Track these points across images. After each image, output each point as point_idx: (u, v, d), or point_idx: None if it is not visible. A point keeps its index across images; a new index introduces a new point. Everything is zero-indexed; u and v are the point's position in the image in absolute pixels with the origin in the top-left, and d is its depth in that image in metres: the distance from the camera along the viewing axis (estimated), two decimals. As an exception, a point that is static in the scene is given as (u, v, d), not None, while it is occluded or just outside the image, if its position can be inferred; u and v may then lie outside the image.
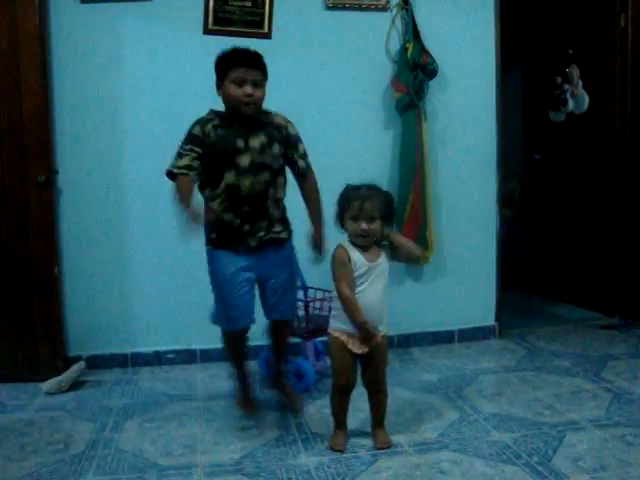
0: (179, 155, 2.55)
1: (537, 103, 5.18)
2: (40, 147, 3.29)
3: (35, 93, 3.25)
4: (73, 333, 3.53)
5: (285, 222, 2.78)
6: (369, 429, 2.61)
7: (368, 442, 2.55)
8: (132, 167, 3.48)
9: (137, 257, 3.56)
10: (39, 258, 3.33)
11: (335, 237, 2.54)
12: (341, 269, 2.40)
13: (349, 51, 3.71)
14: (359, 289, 2.39)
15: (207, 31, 3.52)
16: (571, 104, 4.73)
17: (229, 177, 2.56)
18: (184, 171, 2.50)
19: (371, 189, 2.40)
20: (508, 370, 3.46)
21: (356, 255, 2.39)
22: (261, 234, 2.65)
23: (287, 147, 2.71)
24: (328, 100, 3.71)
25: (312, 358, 3.23)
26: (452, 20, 3.82)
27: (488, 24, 3.88)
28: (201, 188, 2.64)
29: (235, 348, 2.86)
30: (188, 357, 3.65)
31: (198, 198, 2.58)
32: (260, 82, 2.60)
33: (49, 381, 3.23)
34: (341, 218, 2.44)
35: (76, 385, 3.29)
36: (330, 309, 3.20)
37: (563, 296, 4.98)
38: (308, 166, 2.81)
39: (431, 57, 3.68)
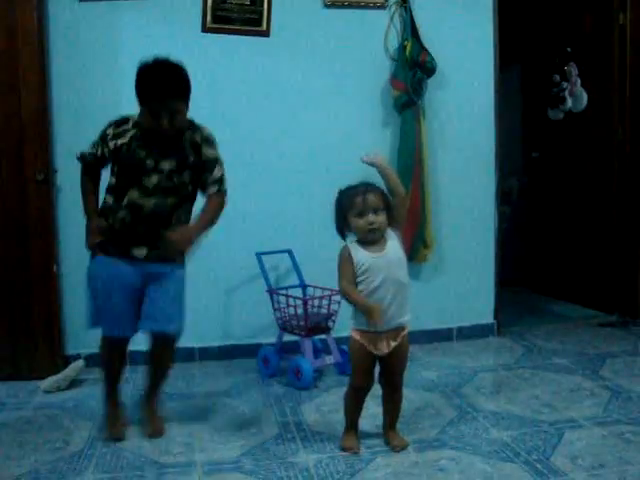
0: (91, 144, 2.59)
1: (535, 101, 5.18)
2: (39, 145, 3.29)
3: (33, 91, 3.25)
4: (72, 331, 3.52)
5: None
6: (366, 427, 2.61)
7: (367, 440, 2.55)
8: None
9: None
10: (38, 256, 3.33)
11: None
12: (341, 267, 2.39)
13: (347, 49, 3.70)
14: (371, 285, 2.34)
15: (205, 29, 3.52)
16: (569, 102, 4.73)
17: (133, 194, 2.47)
18: (81, 162, 2.61)
19: (367, 184, 2.39)
20: (507, 368, 3.47)
21: (359, 253, 2.36)
22: (148, 252, 2.52)
23: (200, 171, 2.56)
24: (326, 98, 3.71)
25: (310, 356, 3.23)
26: (450, 18, 3.82)
27: (486, 22, 3.88)
28: (107, 192, 2.58)
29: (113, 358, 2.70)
30: (186, 355, 3.64)
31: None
32: (178, 109, 2.42)
33: (48, 379, 3.22)
34: (343, 222, 2.40)
35: (75, 383, 3.29)
36: (329, 308, 3.24)
37: (562, 294, 4.98)
38: (219, 190, 2.60)
39: (429, 55, 3.68)
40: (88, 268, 2.60)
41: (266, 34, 3.59)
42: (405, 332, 2.44)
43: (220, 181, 2.61)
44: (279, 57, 3.63)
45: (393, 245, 2.39)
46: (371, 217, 2.32)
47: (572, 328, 4.24)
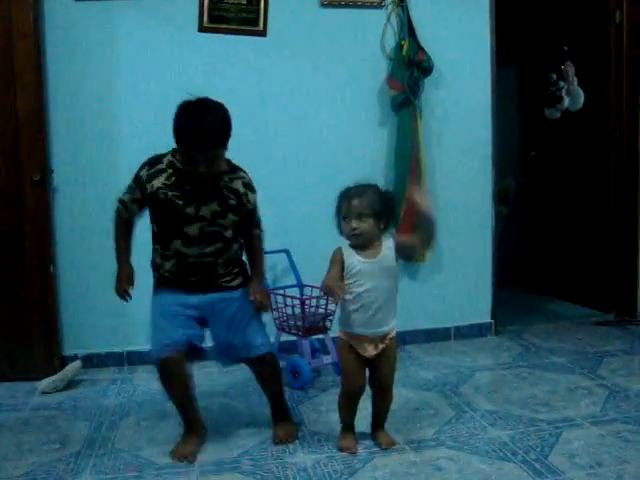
0: (127, 187, 2.49)
1: (532, 100, 5.19)
2: (35, 145, 3.28)
3: (30, 91, 3.24)
4: (69, 332, 3.52)
5: (238, 275, 2.57)
6: (363, 428, 2.60)
7: (365, 440, 2.55)
8: (127, 165, 3.43)
9: (132, 256, 3.55)
10: (34, 257, 3.32)
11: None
12: (330, 266, 2.39)
13: (344, 49, 3.70)
14: (358, 289, 2.34)
15: (202, 29, 3.51)
16: (566, 101, 4.74)
17: (177, 244, 2.41)
18: (121, 207, 2.50)
19: (363, 187, 2.35)
20: (504, 367, 3.47)
21: (351, 257, 2.36)
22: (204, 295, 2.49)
23: (242, 217, 2.51)
24: (323, 98, 3.71)
25: (308, 356, 3.23)
26: (447, 17, 3.81)
27: (483, 21, 3.88)
28: (153, 240, 2.52)
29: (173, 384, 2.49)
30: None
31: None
32: (216, 156, 2.35)
33: (45, 380, 3.22)
34: (339, 223, 2.41)
35: (72, 384, 3.28)
36: (326, 307, 3.23)
37: (559, 293, 4.98)
38: (260, 232, 2.63)
39: (426, 54, 3.67)
40: (152, 307, 2.51)
41: (263, 34, 3.58)
42: (392, 335, 2.43)
43: (259, 224, 2.64)
44: (276, 57, 3.62)
45: (387, 252, 2.37)
46: (354, 223, 2.32)
47: (569, 327, 4.24)
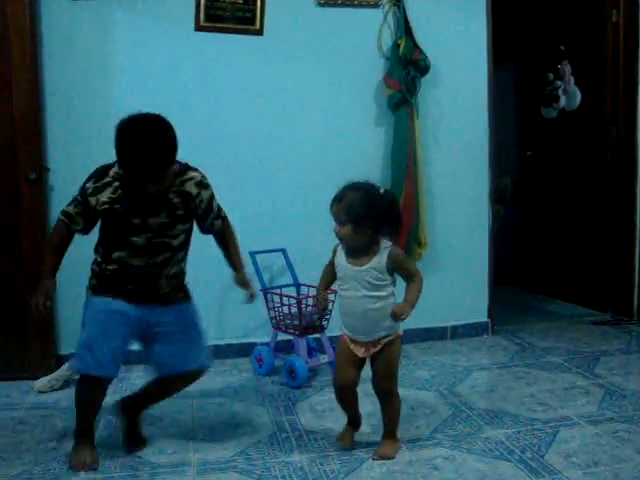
0: (73, 198, 2.37)
1: (529, 99, 5.19)
2: (31, 144, 3.27)
3: (26, 89, 3.23)
4: (65, 331, 3.50)
5: (178, 290, 2.49)
6: (363, 428, 2.61)
7: (361, 439, 2.55)
8: (124, 164, 3.46)
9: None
10: (30, 256, 3.30)
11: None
12: (327, 263, 2.44)
13: (341, 48, 3.70)
14: (343, 293, 2.36)
15: (198, 27, 3.51)
16: (563, 100, 4.74)
17: (121, 254, 2.33)
18: (64, 219, 2.36)
19: (347, 190, 2.28)
20: (501, 366, 3.47)
21: (340, 257, 2.36)
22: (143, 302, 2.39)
23: (199, 218, 2.43)
24: (319, 97, 3.71)
25: (304, 355, 3.23)
26: (444, 16, 3.81)
27: (480, 20, 3.89)
28: (98, 246, 2.43)
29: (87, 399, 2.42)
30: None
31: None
32: (161, 178, 2.22)
33: (41, 379, 3.21)
34: None
35: (68, 383, 3.27)
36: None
37: (555, 293, 4.99)
38: (224, 222, 2.52)
39: (423, 53, 3.67)
40: (84, 312, 2.43)
41: (259, 33, 3.58)
42: (388, 339, 2.35)
43: (222, 216, 2.51)
44: (272, 56, 3.62)
45: (377, 263, 2.28)
46: (336, 227, 2.30)
47: (566, 326, 4.25)
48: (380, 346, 2.35)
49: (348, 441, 2.48)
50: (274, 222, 3.65)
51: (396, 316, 2.28)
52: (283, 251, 3.56)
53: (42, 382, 3.20)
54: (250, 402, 3.02)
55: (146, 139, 2.15)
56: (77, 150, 3.45)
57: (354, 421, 2.53)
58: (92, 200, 2.30)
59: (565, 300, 4.86)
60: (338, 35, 3.69)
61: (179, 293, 2.49)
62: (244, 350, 3.58)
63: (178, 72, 3.49)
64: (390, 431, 2.46)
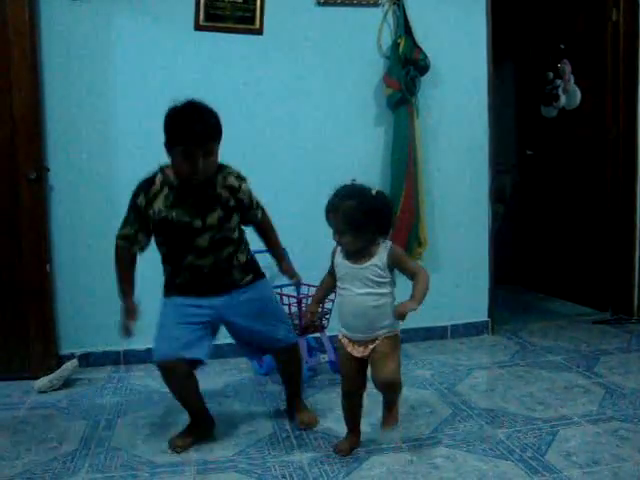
0: (124, 220, 2.45)
1: (529, 98, 5.19)
2: (31, 144, 3.27)
3: (25, 89, 3.24)
4: (65, 331, 3.51)
5: (249, 272, 2.60)
6: (363, 427, 2.61)
7: (362, 439, 2.54)
8: (124, 164, 3.46)
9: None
10: (30, 256, 3.31)
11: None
12: (327, 272, 2.48)
13: (340, 47, 3.70)
14: (343, 292, 2.36)
15: (198, 27, 3.51)
16: (563, 99, 4.74)
17: (190, 258, 2.43)
18: (122, 241, 2.44)
19: (341, 198, 2.27)
20: (501, 366, 3.47)
21: (339, 257, 2.37)
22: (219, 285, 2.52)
23: (244, 211, 2.55)
24: (319, 96, 3.70)
25: (305, 355, 3.23)
26: (444, 15, 3.81)
27: (480, 19, 3.88)
28: (163, 263, 2.53)
29: (175, 386, 2.53)
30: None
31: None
32: (211, 152, 2.36)
33: (41, 379, 3.21)
34: None
35: (68, 383, 3.28)
36: (323, 306, 3.23)
37: (556, 292, 4.99)
38: (264, 213, 2.67)
39: (423, 53, 3.67)
40: (161, 309, 2.53)
41: (259, 32, 3.58)
42: (386, 335, 2.34)
43: (261, 207, 2.66)
44: (272, 55, 3.62)
45: (377, 261, 2.29)
46: (336, 237, 2.30)
47: (566, 325, 4.25)
48: (377, 342, 2.33)
49: (346, 450, 2.45)
50: (274, 221, 3.63)
51: (399, 316, 2.25)
52: (283, 250, 3.55)
53: (43, 382, 3.20)
54: (250, 402, 3.02)
55: (198, 107, 2.36)
56: (77, 150, 3.45)
57: (355, 432, 2.50)
58: (150, 212, 2.38)
59: (565, 299, 4.86)
60: (338, 34, 3.69)
61: (249, 275, 2.60)
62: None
63: (178, 72, 3.49)
64: (391, 414, 2.45)
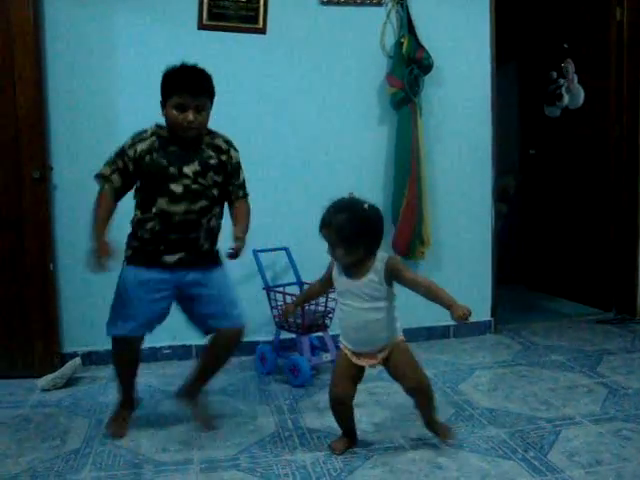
0: (106, 162, 2.54)
1: (532, 98, 5.18)
2: (35, 142, 3.28)
3: (29, 88, 3.24)
4: (68, 329, 3.52)
5: (212, 252, 2.63)
6: (363, 425, 2.62)
7: (364, 437, 2.55)
8: (127, 163, 3.47)
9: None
10: (34, 254, 3.32)
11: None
12: (319, 279, 2.52)
13: (344, 46, 3.70)
14: (343, 307, 2.37)
15: (201, 26, 3.51)
16: (566, 99, 4.74)
17: (161, 203, 2.47)
18: (100, 180, 2.53)
19: (333, 213, 2.27)
20: (504, 365, 3.47)
21: (337, 273, 2.38)
22: (181, 257, 2.52)
23: (225, 175, 2.59)
24: (322, 95, 3.71)
25: (307, 354, 3.23)
26: (447, 15, 3.82)
27: (483, 19, 3.89)
28: (135, 209, 2.57)
29: (125, 359, 2.65)
30: (184, 353, 3.64)
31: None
32: (204, 106, 2.46)
33: (44, 377, 3.22)
34: None
35: (71, 382, 3.28)
36: (325, 305, 3.24)
37: (559, 291, 4.99)
38: (245, 194, 2.69)
39: (426, 52, 3.67)
40: (118, 280, 2.57)
41: (262, 31, 3.58)
42: (390, 346, 2.36)
43: (244, 186, 2.69)
44: (275, 54, 3.62)
45: (373, 276, 2.28)
46: (329, 250, 2.30)
47: (569, 325, 4.25)
48: (386, 352, 2.36)
49: (341, 449, 2.45)
50: (277, 220, 3.65)
51: (461, 319, 2.24)
52: (286, 250, 3.56)
53: (46, 380, 3.20)
54: (253, 401, 3.02)
55: (194, 66, 2.50)
56: (80, 149, 3.46)
57: (349, 434, 2.51)
58: (130, 151, 2.49)
59: (568, 299, 4.86)
60: (341, 34, 3.69)
61: (211, 254, 2.61)
62: (247, 348, 3.58)
63: (181, 71, 3.49)
64: (429, 418, 2.46)
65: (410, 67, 3.64)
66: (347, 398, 2.42)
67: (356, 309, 2.32)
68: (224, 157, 2.58)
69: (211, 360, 2.73)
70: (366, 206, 2.29)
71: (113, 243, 2.45)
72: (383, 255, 2.32)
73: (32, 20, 3.21)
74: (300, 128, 3.70)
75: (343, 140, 3.73)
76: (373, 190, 3.79)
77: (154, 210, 2.47)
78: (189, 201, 2.47)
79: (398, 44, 3.69)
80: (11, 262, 3.32)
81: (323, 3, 3.65)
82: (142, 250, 2.53)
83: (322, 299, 3.26)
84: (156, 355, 3.61)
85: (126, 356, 2.62)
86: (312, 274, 3.33)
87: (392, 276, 2.30)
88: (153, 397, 3.08)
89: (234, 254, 2.45)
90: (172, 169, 2.46)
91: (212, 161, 2.54)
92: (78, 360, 3.37)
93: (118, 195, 2.55)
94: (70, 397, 3.12)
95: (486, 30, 3.89)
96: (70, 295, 3.51)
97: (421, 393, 2.41)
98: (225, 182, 2.60)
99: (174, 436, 2.63)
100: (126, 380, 2.69)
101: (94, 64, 3.44)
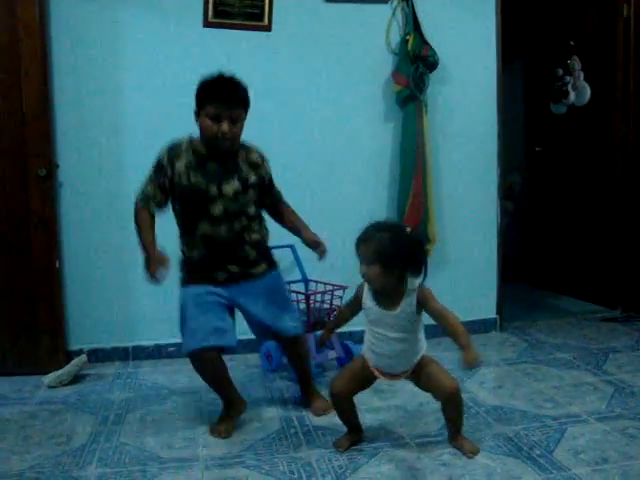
0: (146, 179, 2.54)
1: (538, 95, 5.17)
2: (41, 140, 3.28)
3: (35, 86, 3.24)
4: (74, 326, 3.53)
5: (263, 259, 2.67)
6: (369, 422, 2.62)
7: (369, 434, 2.55)
8: (133, 160, 3.47)
9: (138, 250, 3.55)
10: (40, 252, 3.33)
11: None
12: (347, 302, 2.51)
13: (349, 44, 3.70)
14: (374, 335, 2.34)
15: (207, 24, 3.51)
16: (572, 96, 4.72)
17: (203, 227, 2.49)
18: (141, 201, 2.51)
19: (373, 230, 2.25)
20: (509, 363, 3.46)
21: (368, 300, 2.34)
22: (233, 271, 2.58)
23: (262, 191, 2.64)
24: (328, 93, 3.70)
25: (313, 351, 3.23)
26: (453, 12, 3.81)
27: (489, 16, 3.87)
28: (181, 234, 2.60)
29: (207, 373, 2.63)
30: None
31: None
32: (239, 118, 2.47)
33: (51, 374, 3.23)
34: None
35: (77, 378, 3.29)
36: (331, 302, 3.24)
37: (564, 289, 4.97)
38: (281, 197, 2.79)
39: (432, 49, 3.67)
40: (180, 300, 2.60)
41: (268, 29, 3.58)
42: (417, 363, 2.37)
43: (280, 193, 2.79)
44: (281, 52, 3.62)
45: (406, 307, 2.26)
46: (363, 268, 2.26)
47: (575, 323, 4.24)
48: (411, 371, 2.38)
49: (345, 446, 2.45)
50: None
51: (469, 366, 2.26)
52: (292, 247, 3.56)
53: (52, 377, 3.21)
54: (258, 398, 3.02)
55: (231, 76, 2.50)
56: (86, 146, 3.47)
57: (353, 429, 2.51)
58: (168, 169, 2.46)
59: (574, 297, 4.85)
60: (346, 31, 3.69)
61: (264, 261, 2.66)
62: (252, 346, 3.59)
63: (186, 68, 3.49)
64: (457, 429, 2.44)
65: (416, 64, 3.64)
66: (347, 394, 2.43)
67: (390, 339, 2.30)
68: (262, 172, 2.62)
69: (292, 357, 2.85)
70: (408, 230, 2.33)
71: (164, 251, 2.47)
72: (415, 284, 2.28)
73: (38, 18, 3.22)
74: (305, 125, 3.69)
75: (348, 137, 3.73)
76: (378, 188, 3.79)
77: (198, 233, 2.50)
78: (230, 221, 2.50)
79: (404, 41, 3.68)
80: (17, 260, 3.33)
81: (328, 0, 3.64)
82: (195, 272, 2.57)
83: (327, 297, 3.26)
84: (161, 352, 3.62)
85: (206, 369, 2.59)
86: (318, 271, 3.36)
87: (421, 304, 2.28)
88: (159, 394, 3.09)
89: (322, 254, 2.69)
90: (212, 189, 2.47)
91: (252, 179, 2.56)
92: (84, 357, 3.38)
93: (159, 211, 2.55)
94: (76, 394, 3.13)
95: (492, 27, 3.88)
96: (76, 292, 3.52)
97: (456, 398, 2.37)
98: (261, 197, 2.64)
99: (180, 433, 2.64)
100: (219, 389, 2.69)
101: (100, 62, 3.44)
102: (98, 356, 3.56)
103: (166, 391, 3.13)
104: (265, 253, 2.70)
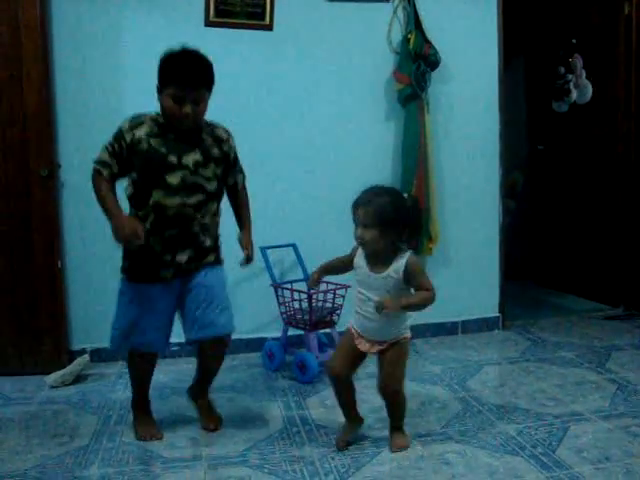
0: (104, 147, 2.40)
1: (540, 93, 5.16)
2: (42, 140, 3.29)
3: (37, 86, 3.25)
4: (77, 326, 3.53)
5: (215, 250, 2.57)
6: (371, 421, 2.63)
7: (372, 434, 2.55)
8: (134, 160, 3.47)
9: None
10: (42, 252, 3.33)
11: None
12: (342, 256, 2.47)
13: (351, 42, 3.69)
14: (361, 296, 2.36)
15: (208, 23, 3.51)
16: (574, 94, 4.72)
17: (157, 195, 2.35)
18: (99, 167, 2.37)
19: (374, 194, 2.26)
20: (512, 361, 3.46)
21: (360, 260, 2.37)
22: (182, 262, 2.44)
23: (226, 166, 2.52)
24: (330, 92, 3.70)
25: (315, 350, 3.23)
26: (454, 10, 3.80)
27: (491, 14, 3.87)
28: (132, 207, 2.45)
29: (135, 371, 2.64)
30: (192, 350, 3.64)
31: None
32: (202, 98, 2.35)
33: (53, 374, 3.23)
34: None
35: (80, 378, 3.30)
36: (333, 301, 3.24)
37: (567, 287, 4.97)
38: (244, 180, 2.66)
39: (433, 48, 3.66)
40: (119, 293, 2.49)
41: (269, 28, 3.58)
42: (396, 340, 2.37)
43: (243, 172, 2.67)
44: (282, 51, 3.62)
45: (394, 272, 2.28)
46: (359, 231, 2.27)
47: (577, 321, 4.23)
48: (386, 345, 2.37)
49: (344, 440, 2.46)
50: (284, 217, 3.65)
51: (378, 305, 2.24)
52: (294, 246, 3.56)
53: (54, 377, 3.22)
54: (261, 397, 3.03)
55: (194, 52, 2.42)
56: (88, 146, 3.43)
57: (353, 419, 2.51)
58: (128, 136, 2.36)
59: (577, 295, 4.84)
60: (348, 30, 3.69)
61: (213, 252, 2.54)
62: (255, 345, 3.59)
63: (188, 68, 3.49)
64: (396, 426, 2.48)
65: (417, 63, 3.63)
66: (344, 374, 2.41)
67: (372, 301, 2.30)
68: (225, 147, 2.51)
69: (204, 367, 2.73)
70: (406, 195, 2.35)
71: (132, 220, 2.34)
72: (406, 251, 2.31)
73: (40, 18, 3.22)
74: (307, 124, 3.69)
75: (350, 136, 3.73)
76: (380, 186, 3.79)
77: (151, 203, 2.36)
78: (186, 194, 2.38)
79: (405, 40, 3.68)
80: (19, 260, 3.33)
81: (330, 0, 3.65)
82: (140, 266, 2.44)
83: (330, 296, 3.26)
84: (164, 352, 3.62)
85: (133, 366, 2.64)
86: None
87: (409, 275, 2.28)
88: (161, 394, 3.09)
89: (248, 261, 2.56)
90: (171, 158, 2.36)
91: (215, 152, 2.46)
92: (86, 357, 3.38)
93: (114, 181, 2.41)
94: (78, 394, 3.13)
95: (493, 25, 3.88)
96: (78, 292, 3.52)
97: (388, 398, 2.43)
98: (224, 174, 2.53)
99: (182, 432, 2.64)
100: (146, 390, 2.70)
101: (101, 62, 3.44)
102: (100, 356, 3.56)
103: (168, 390, 3.13)
104: (215, 243, 2.57)
